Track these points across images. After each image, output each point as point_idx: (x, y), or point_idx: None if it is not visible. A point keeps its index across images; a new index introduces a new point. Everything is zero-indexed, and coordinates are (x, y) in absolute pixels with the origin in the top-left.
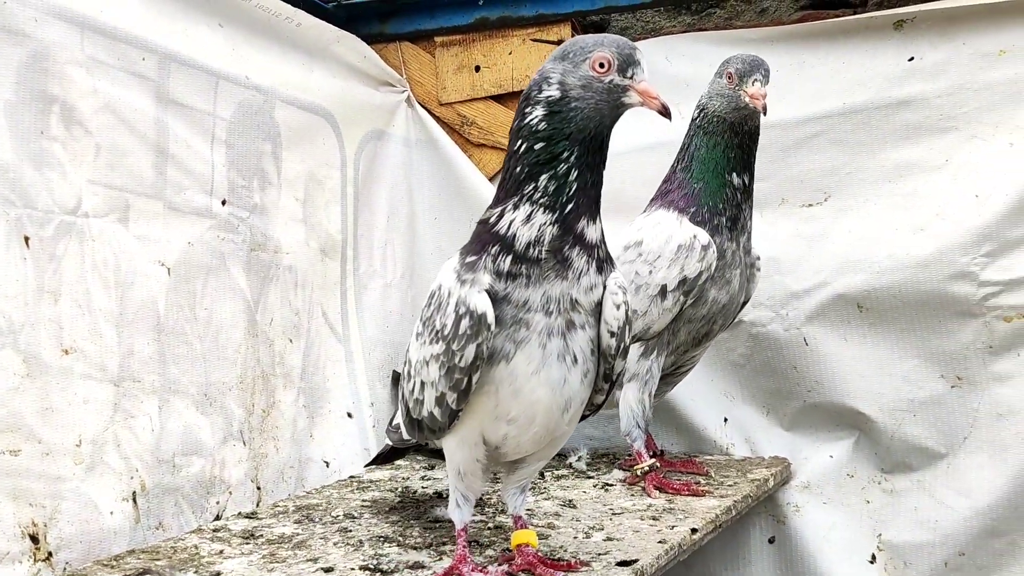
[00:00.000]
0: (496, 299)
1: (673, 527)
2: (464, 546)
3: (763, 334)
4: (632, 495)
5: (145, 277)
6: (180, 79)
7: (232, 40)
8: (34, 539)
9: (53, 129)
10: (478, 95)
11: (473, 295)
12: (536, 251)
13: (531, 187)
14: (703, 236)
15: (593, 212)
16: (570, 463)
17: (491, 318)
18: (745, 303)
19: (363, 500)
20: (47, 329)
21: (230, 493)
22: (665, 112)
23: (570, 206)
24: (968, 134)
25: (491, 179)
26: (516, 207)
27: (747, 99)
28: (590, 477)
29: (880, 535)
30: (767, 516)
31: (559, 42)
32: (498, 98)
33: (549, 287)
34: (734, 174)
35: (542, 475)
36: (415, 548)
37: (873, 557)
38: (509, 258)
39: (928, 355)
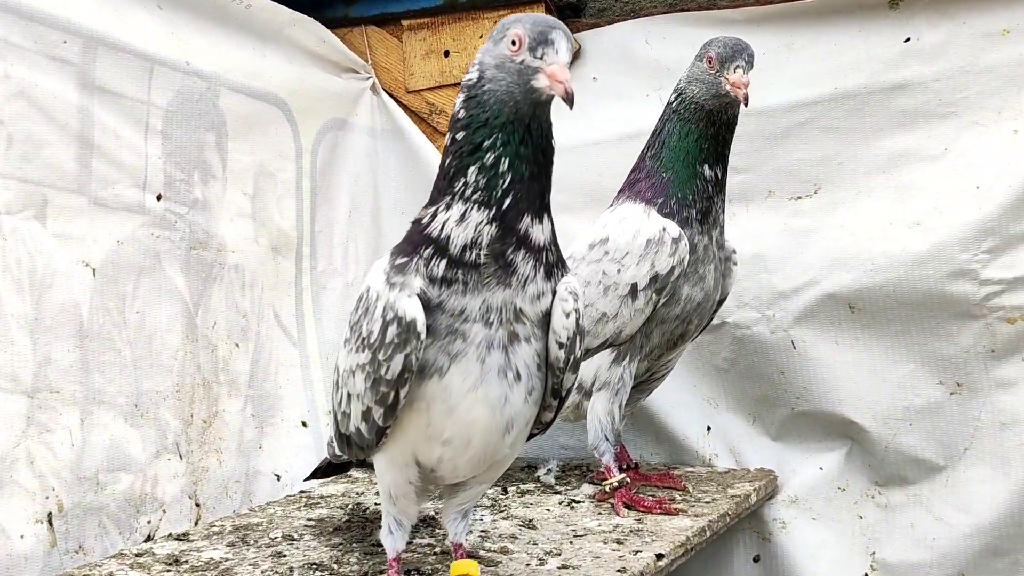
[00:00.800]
0: (429, 307)
1: (637, 552)
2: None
3: (748, 336)
4: (599, 513)
5: (66, 278)
6: (108, 64)
7: (171, 23)
8: None
9: None
10: (447, 82)
11: (402, 300)
12: (473, 254)
13: (461, 183)
14: (673, 228)
15: (538, 210)
16: (538, 476)
17: (421, 325)
18: (722, 301)
19: (308, 519)
20: None
21: (164, 511)
22: (568, 99)
23: (507, 201)
24: (969, 120)
25: None
26: (449, 206)
27: (728, 87)
28: (557, 492)
29: (874, 553)
30: (751, 533)
31: None
32: None
33: (490, 295)
34: (706, 166)
35: (505, 490)
36: None
37: None
38: (444, 262)
39: (925, 359)
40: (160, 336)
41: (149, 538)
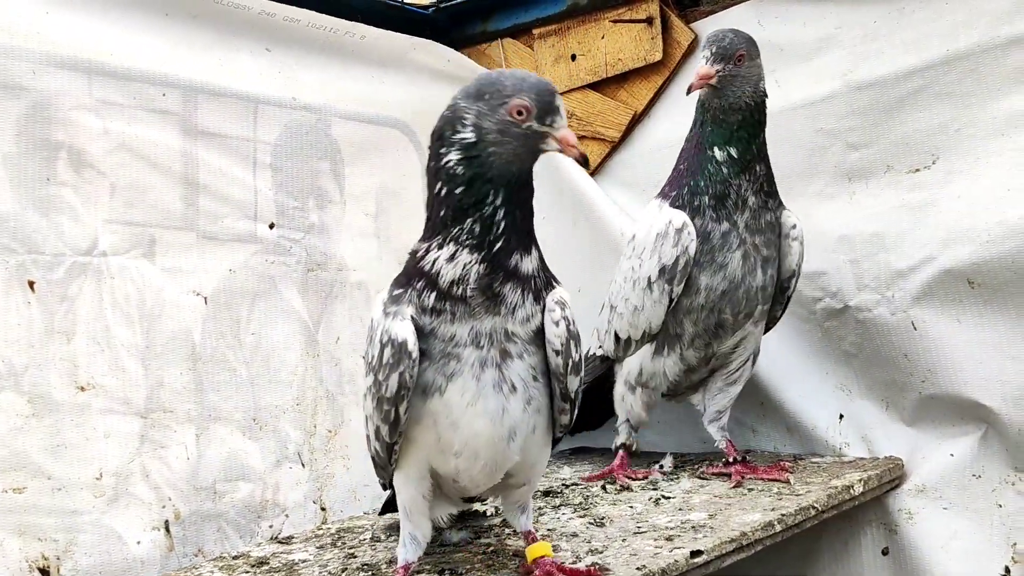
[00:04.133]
0: (423, 333)
1: (679, 548)
2: None
3: (870, 320)
4: (679, 510)
5: (176, 308)
6: (210, 109)
7: (280, 63)
8: (44, 572)
9: (61, 175)
10: (575, 84)
11: (395, 325)
12: (460, 289)
13: (457, 229)
14: (677, 219)
15: (526, 244)
16: (652, 471)
17: (412, 346)
18: (791, 278)
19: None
20: (58, 368)
21: (286, 516)
22: (583, 161)
23: (499, 245)
24: None
25: (592, 174)
26: (441, 246)
27: (693, 79)
28: (656, 488)
29: (1015, 544)
30: (878, 524)
31: (647, 20)
32: (594, 86)
33: (477, 323)
34: (715, 148)
35: (604, 487)
36: None
37: (1007, 570)
38: (433, 294)
39: None
40: (278, 354)
41: (274, 539)
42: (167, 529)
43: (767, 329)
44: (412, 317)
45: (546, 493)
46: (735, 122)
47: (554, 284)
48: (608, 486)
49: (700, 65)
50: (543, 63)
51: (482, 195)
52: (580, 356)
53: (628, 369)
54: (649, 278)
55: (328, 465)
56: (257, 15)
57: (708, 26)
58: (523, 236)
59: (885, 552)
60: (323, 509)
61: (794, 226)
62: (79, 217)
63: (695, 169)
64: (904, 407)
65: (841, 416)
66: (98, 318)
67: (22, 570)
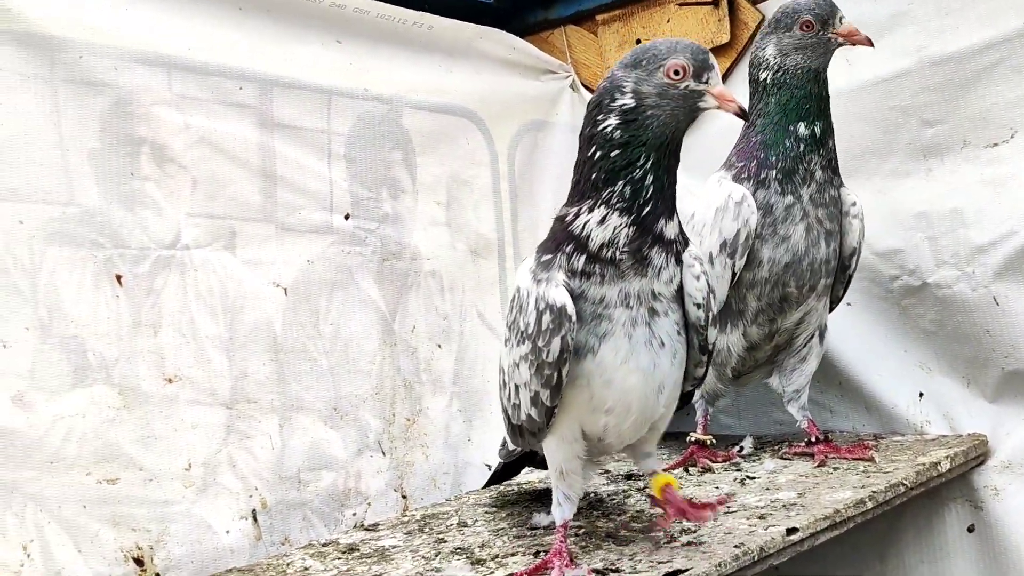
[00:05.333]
0: (573, 296)
1: (773, 527)
2: (562, 541)
3: (950, 296)
4: (767, 489)
5: (257, 299)
6: (285, 102)
7: (351, 54)
8: (139, 562)
9: (144, 169)
10: None
11: (551, 290)
12: (610, 252)
13: (608, 191)
14: (737, 192)
15: (671, 210)
16: (733, 453)
17: (571, 310)
18: (852, 256)
19: (492, 506)
20: (146, 361)
21: (369, 504)
22: (742, 114)
23: (647, 209)
24: None
25: None
26: (592, 209)
27: (841, 39)
28: (740, 470)
29: None
30: (963, 502)
31: (714, 2)
32: None
33: (626, 284)
34: (802, 124)
35: (687, 469)
36: (479, 562)
37: None
38: (583, 257)
39: None
40: (356, 344)
41: (360, 527)
42: (255, 518)
43: (831, 309)
44: (565, 282)
45: (628, 476)
46: (825, 95)
47: (688, 241)
48: (691, 468)
49: (846, 25)
50: (607, 49)
51: (634, 158)
52: (717, 309)
53: None
54: (711, 253)
55: (407, 453)
56: (328, 7)
57: (775, 6)
58: (668, 201)
59: (971, 529)
60: (404, 497)
61: (854, 203)
62: (162, 211)
63: (770, 143)
64: (986, 384)
65: (921, 394)
66: (183, 310)
67: (117, 560)
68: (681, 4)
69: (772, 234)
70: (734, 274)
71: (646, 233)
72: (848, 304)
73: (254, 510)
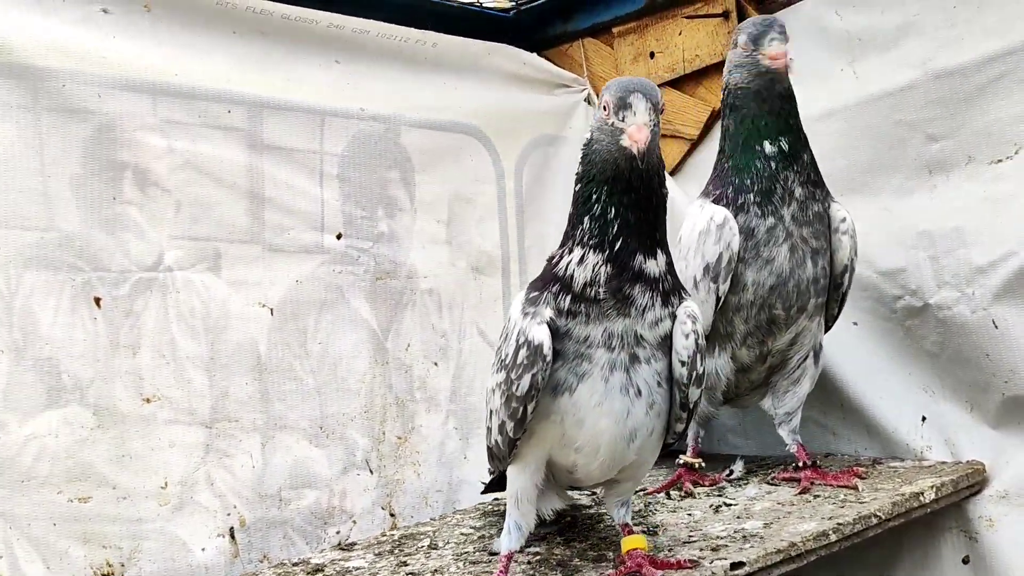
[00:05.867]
0: (558, 334)
1: (721, 560)
2: (502, 572)
3: (950, 318)
4: (737, 517)
5: (242, 320)
6: (275, 124)
7: (349, 74)
8: None
9: (127, 193)
10: (654, 83)
11: (533, 327)
12: (593, 291)
13: (580, 229)
14: (719, 215)
15: (650, 247)
16: (723, 476)
17: (547, 349)
18: (844, 274)
19: (471, 527)
20: (123, 381)
21: (354, 522)
22: (640, 157)
23: (619, 244)
24: None
25: (671, 173)
26: (571, 250)
27: (767, 61)
28: (721, 495)
29: None
30: (958, 532)
31: (723, 15)
32: (673, 83)
33: (610, 324)
34: (766, 143)
35: (668, 495)
36: None
37: None
38: (568, 297)
39: None
40: (345, 363)
41: (339, 545)
42: (232, 536)
43: (827, 329)
44: (551, 319)
45: None
46: (789, 109)
47: (684, 294)
48: (673, 492)
49: (774, 47)
50: (623, 62)
51: (589, 192)
52: (704, 369)
53: None
54: (695, 277)
55: (398, 471)
56: (326, 28)
57: (785, 18)
58: (644, 239)
59: (966, 561)
60: (392, 515)
61: (843, 219)
62: (144, 234)
63: (741, 166)
64: (988, 409)
65: (924, 418)
66: (163, 331)
67: None
68: (689, 17)
69: (755, 257)
70: (718, 298)
71: (624, 270)
72: (855, 324)
73: (232, 528)
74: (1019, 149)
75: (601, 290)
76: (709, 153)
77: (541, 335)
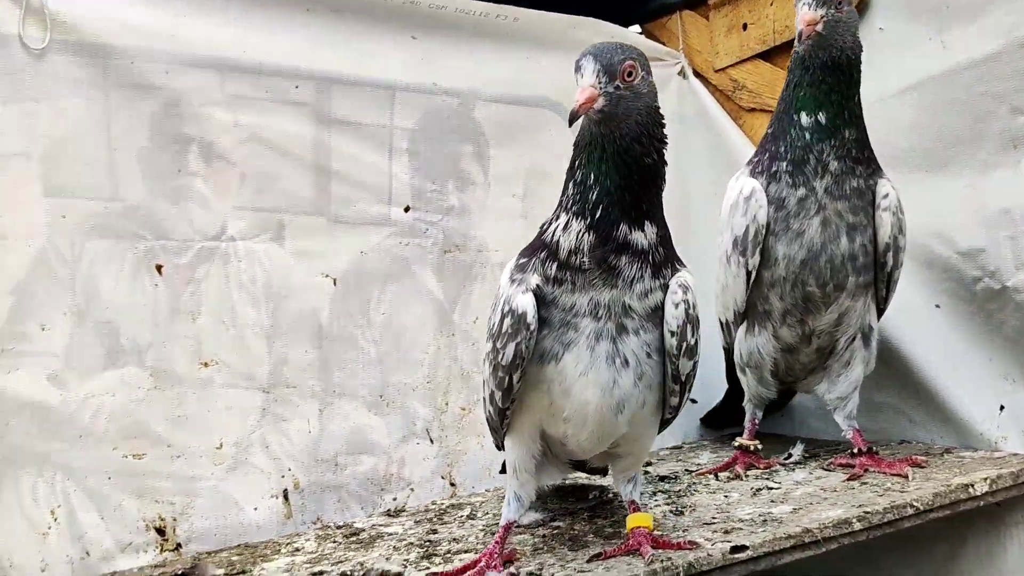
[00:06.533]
0: (544, 301)
1: (727, 543)
2: (497, 542)
3: None
4: (772, 501)
5: (303, 289)
6: (344, 99)
7: (424, 50)
8: (160, 532)
9: (192, 166)
10: (746, 55)
11: (517, 295)
12: (578, 259)
13: (566, 195)
14: (747, 187)
15: (635, 218)
16: (782, 458)
17: (531, 317)
18: (887, 252)
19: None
20: (182, 345)
21: (412, 490)
22: (570, 117)
23: (599, 213)
24: None
25: None
26: (558, 216)
27: (800, 26)
28: (767, 479)
29: None
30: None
31: None
32: (764, 55)
33: (597, 294)
34: (803, 113)
35: (716, 475)
36: (429, 556)
37: None
38: (555, 264)
39: None
40: (409, 334)
41: (396, 512)
42: (286, 497)
43: (880, 313)
44: (538, 286)
45: (663, 478)
46: (833, 82)
47: (678, 265)
48: (722, 474)
49: (803, 11)
50: (717, 34)
51: (574, 158)
52: (696, 340)
53: (736, 351)
54: (727, 252)
55: (460, 442)
56: (401, 5)
57: None
58: (628, 209)
59: None
60: (452, 484)
61: (886, 195)
62: (208, 205)
63: (779, 134)
64: None
65: (1002, 407)
66: (224, 299)
67: (139, 529)
68: None
69: (785, 229)
70: (748, 273)
71: (608, 240)
72: (937, 306)
73: (285, 490)
74: None
75: (586, 259)
76: None
77: (525, 303)
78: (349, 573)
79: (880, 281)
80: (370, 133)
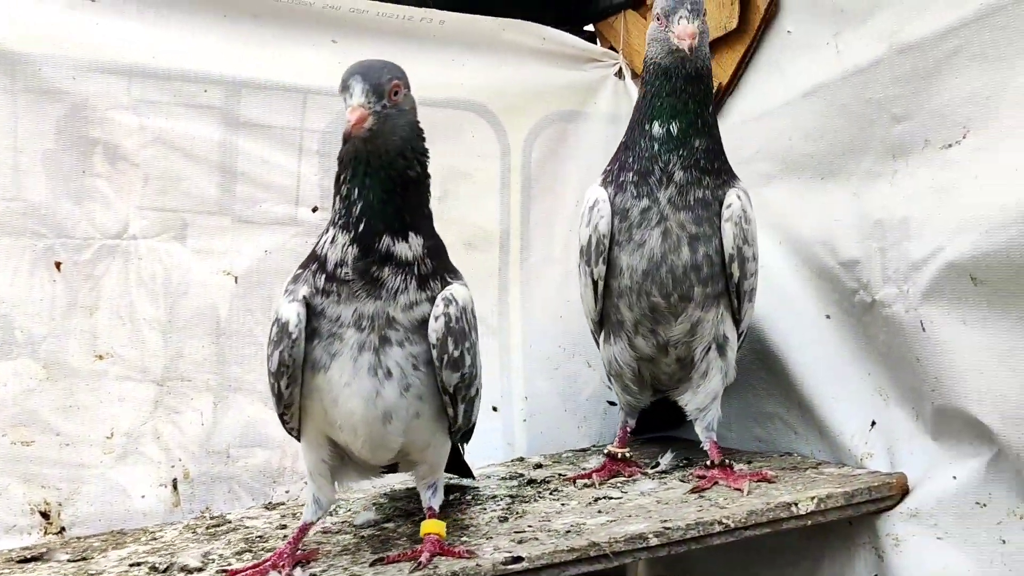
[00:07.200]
0: (315, 312)
1: (508, 553)
2: (291, 543)
3: (890, 316)
4: (599, 512)
5: (203, 286)
6: (253, 103)
7: (344, 54)
8: (45, 515)
9: (96, 167)
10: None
11: (284, 305)
12: (343, 271)
13: (334, 211)
14: (591, 197)
15: (399, 229)
16: (657, 462)
17: (292, 327)
18: (731, 263)
19: (385, 495)
20: (77, 339)
21: (305, 483)
22: (345, 138)
23: (362, 226)
24: None
25: None
26: (328, 229)
27: (674, 41)
28: (618, 487)
29: None
30: (870, 548)
31: None
32: None
33: (361, 305)
34: (655, 123)
35: (573, 481)
36: (252, 551)
37: None
38: (323, 276)
39: None
40: None
41: (265, 505)
42: (175, 487)
43: (737, 323)
44: (305, 297)
45: (530, 482)
46: (692, 91)
47: (449, 278)
48: (579, 482)
49: (681, 24)
50: None
51: (338, 172)
52: (460, 353)
53: (602, 359)
54: (577, 262)
55: None
56: (321, 10)
57: None
58: (391, 221)
59: None
60: None
61: (729, 205)
62: (111, 204)
63: (630, 144)
64: (926, 418)
65: (873, 423)
66: (122, 295)
67: (24, 512)
68: None
69: (628, 240)
70: (595, 282)
71: (370, 252)
72: (827, 317)
73: (175, 479)
74: (967, 133)
75: (349, 271)
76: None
77: (288, 313)
78: (157, 566)
79: (731, 292)
80: (279, 135)
